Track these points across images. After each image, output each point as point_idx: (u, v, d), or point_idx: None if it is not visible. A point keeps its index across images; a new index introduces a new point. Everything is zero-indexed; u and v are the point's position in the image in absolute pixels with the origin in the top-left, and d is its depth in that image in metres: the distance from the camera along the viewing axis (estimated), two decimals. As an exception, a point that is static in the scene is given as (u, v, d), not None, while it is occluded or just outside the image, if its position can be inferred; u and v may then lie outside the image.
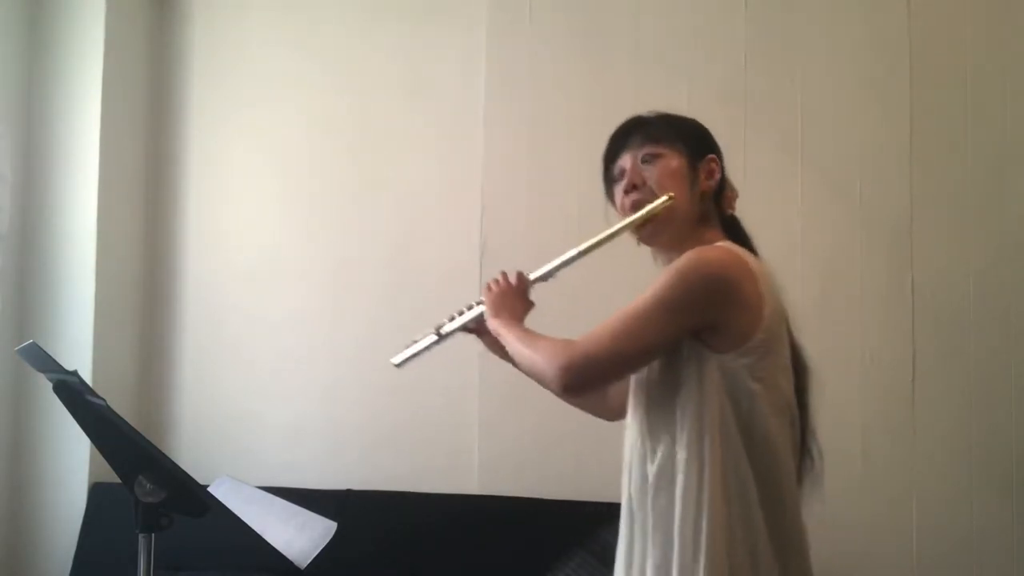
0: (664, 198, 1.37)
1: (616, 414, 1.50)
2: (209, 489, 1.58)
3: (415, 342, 1.56)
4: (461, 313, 1.55)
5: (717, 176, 1.43)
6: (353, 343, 2.60)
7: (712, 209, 1.43)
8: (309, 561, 1.55)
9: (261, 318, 2.73)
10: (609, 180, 1.47)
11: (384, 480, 2.49)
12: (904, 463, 2.28)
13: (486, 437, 2.49)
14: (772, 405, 1.27)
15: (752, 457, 1.25)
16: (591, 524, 2.10)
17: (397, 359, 1.57)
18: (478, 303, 1.53)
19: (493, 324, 1.46)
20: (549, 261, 1.47)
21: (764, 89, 2.43)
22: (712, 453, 1.24)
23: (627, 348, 1.27)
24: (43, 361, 1.35)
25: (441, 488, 2.46)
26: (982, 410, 2.26)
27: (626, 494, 1.35)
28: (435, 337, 1.54)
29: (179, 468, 1.35)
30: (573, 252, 1.45)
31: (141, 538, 1.36)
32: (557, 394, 1.33)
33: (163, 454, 1.38)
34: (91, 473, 2.59)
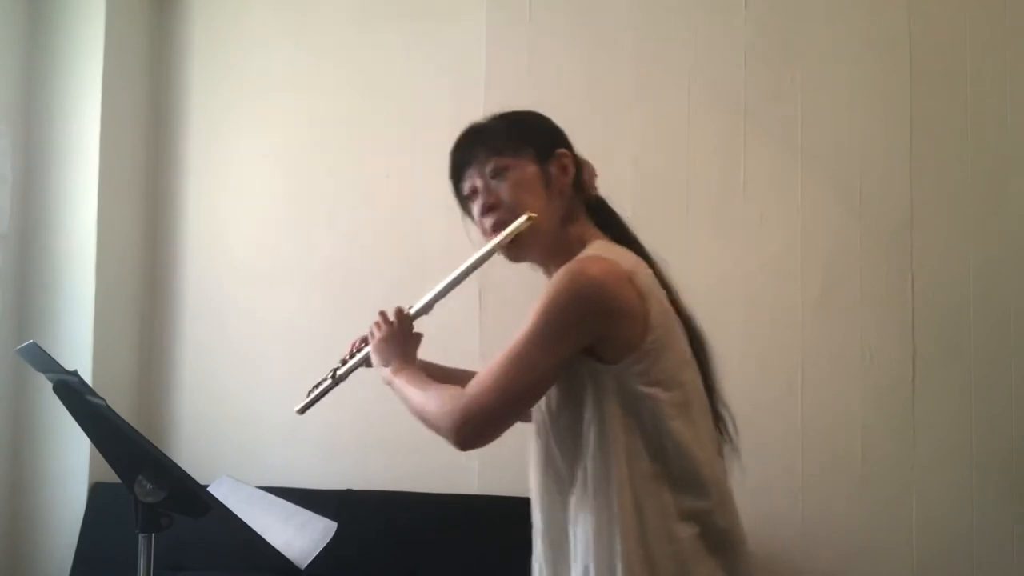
0: (523, 218, 1.31)
1: None
2: (209, 489, 1.58)
3: (316, 387, 1.55)
4: (352, 355, 1.53)
5: (571, 170, 1.37)
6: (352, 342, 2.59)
7: (575, 201, 1.38)
8: (309, 561, 1.54)
9: (261, 317, 2.73)
10: (462, 199, 1.42)
11: (384, 480, 2.49)
12: (904, 463, 2.28)
13: (486, 437, 2.48)
14: (677, 404, 1.23)
15: (664, 464, 1.22)
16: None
17: (299, 407, 1.56)
18: (363, 341, 1.51)
19: (383, 375, 1.43)
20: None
21: (764, 89, 2.42)
22: (619, 471, 1.20)
23: (515, 390, 1.22)
24: (43, 361, 1.35)
25: (441, 488, 2.46)
26: (982, 410, 2.26)
27: (539, 520, 1.32)
28: (331, 381, 1.54)
29: (179, 468, 1.35)
30: (445, 282, 1.41)
31: (141, 538, 1.36)
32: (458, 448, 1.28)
33: (163, 454, 1.38)
34: (91, 473, 2.59)
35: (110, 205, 2.69)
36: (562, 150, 1.38)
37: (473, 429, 1.24)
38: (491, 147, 1.36)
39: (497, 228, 1.34)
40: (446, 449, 1.32)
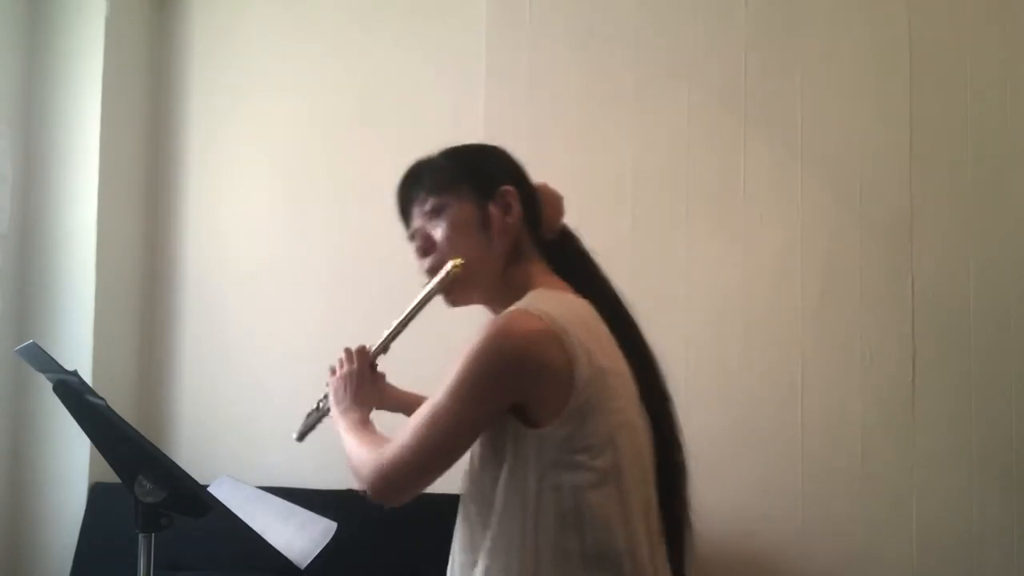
0: (448, 266, 1.25)
1: None
2: (209, 489, 1.58)
3: (307, 415, 1.58)
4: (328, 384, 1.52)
5: (516, 208, 1.28)
6: (353, 342, 2.58)
7: (525, 240, 1.29)
8: (309, 561, 1.55)
9: (262, 317, 2.73)
10: (411, 238, 1.36)
11: (384, 480, 2.49)
12: (904, 463, 2.28)
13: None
14: (604, 471, 1.14)
15: (579, 538, 1.14)
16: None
17: (296, 435, 1.59)
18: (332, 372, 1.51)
19: (333, 413, 1.42)
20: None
21: (764, 89, 2.42)
22: (523, 541, 1.14)
23: (431, 449, 1.18)
24: (43, 361, 1.35)
25: (441, 488, 2.45)
26: (982, 410, 2.26)
27: None
28: (318, 413, 1.56)
29: (179, 468, 1.35)
30: (395, 323, 1.39)
31: (141, 538, 1.36)
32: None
33: (163, 454, 1.38)
34: (91, 473, 2.59)
35: (110, 205, 2.69)
36: (507, 187, 1.28)
37: (389, 487, 1.22)
38: (429, 185, 1.32)
39: (431, 273, 1.30)
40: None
